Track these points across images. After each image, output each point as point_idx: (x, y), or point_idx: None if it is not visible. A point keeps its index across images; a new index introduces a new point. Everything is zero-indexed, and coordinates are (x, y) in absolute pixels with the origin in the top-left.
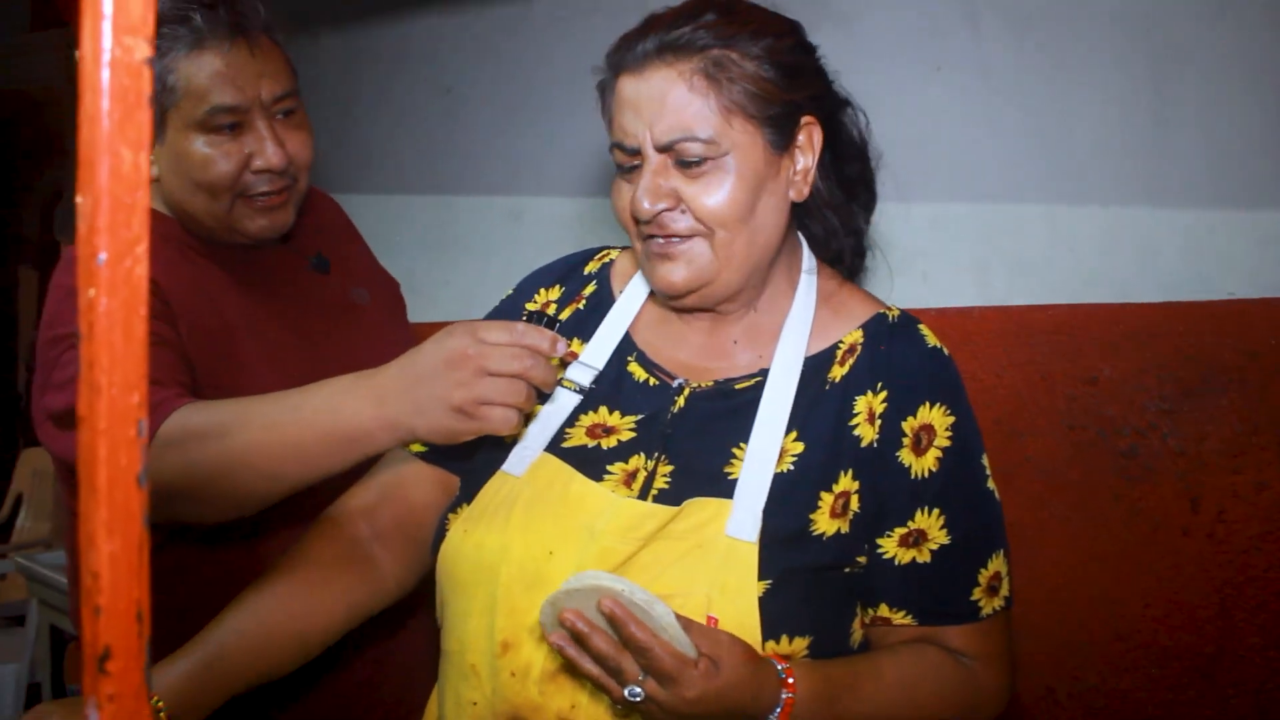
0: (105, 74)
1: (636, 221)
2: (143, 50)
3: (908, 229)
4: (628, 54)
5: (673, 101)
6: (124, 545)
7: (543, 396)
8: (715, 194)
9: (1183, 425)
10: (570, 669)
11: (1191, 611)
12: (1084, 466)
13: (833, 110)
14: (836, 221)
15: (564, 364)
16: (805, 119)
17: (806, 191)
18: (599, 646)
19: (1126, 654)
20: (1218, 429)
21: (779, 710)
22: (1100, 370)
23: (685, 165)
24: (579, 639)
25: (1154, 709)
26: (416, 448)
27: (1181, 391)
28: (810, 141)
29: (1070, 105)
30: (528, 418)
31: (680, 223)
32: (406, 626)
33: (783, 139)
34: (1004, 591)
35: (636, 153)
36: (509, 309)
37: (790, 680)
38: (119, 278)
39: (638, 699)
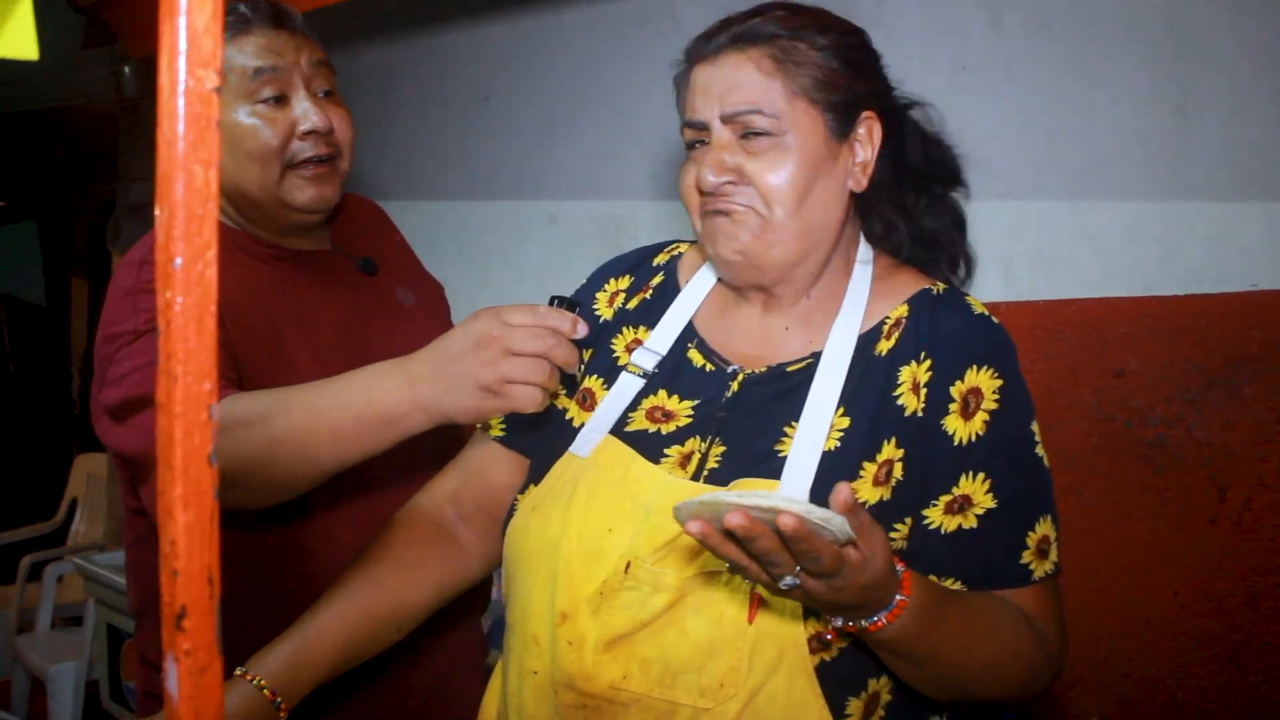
0: (180, 102)
1: (701, 195)
2: (212, 80)
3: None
4: (704, 46)
5: (742, 79)
6: (198, 516)
7: (565, 379)
8: (777, 171)
9: (1208, 415)
10: (621, 642)
11: (1219, 599)
12: (1111, 457)
13: (894, 110)
14: (897, 217)
15: (629, 350)
16: (866, 113)
17: (865, 183)
18: (765, 546)
19: (1155, 642)
20: (1243, 419)
21: (889, 610)
22: (1126, 363)
23: (748, 138)
24: (747, 539)
25: (1183, 696)
26: (495, 432)
27: (1206, 382)
28: (870, 136)
29: (1092, 102)
30: (554, 396)
31: (740, 197)
32: (458, 627)
33: (843, 127)
34: (1053, 557)
35: (704, 128)
36: (583, 296)
37: (907, 582)
38: (192, 280)
39: (793, 586)
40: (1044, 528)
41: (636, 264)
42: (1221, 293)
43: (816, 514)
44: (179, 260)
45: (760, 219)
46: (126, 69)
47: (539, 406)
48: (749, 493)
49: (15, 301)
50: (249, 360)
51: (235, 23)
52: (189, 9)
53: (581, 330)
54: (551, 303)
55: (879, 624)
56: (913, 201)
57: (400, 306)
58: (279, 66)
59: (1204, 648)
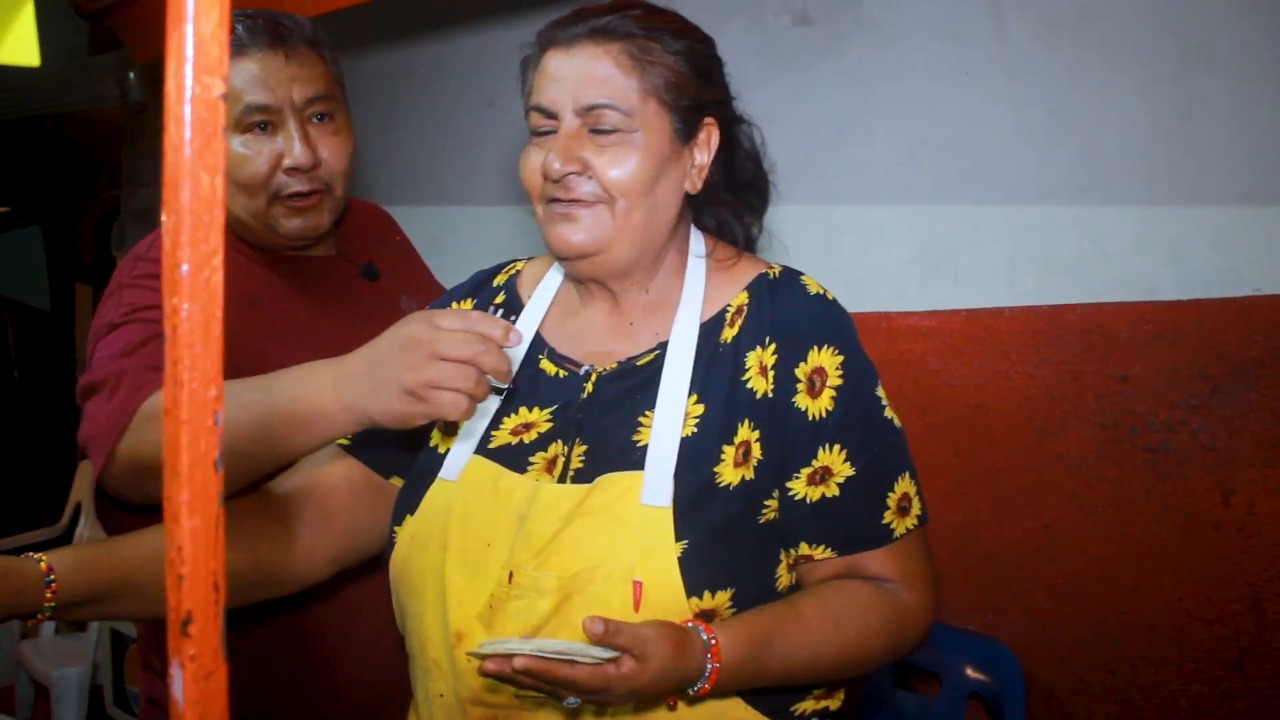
0: (187, 109)
1: (545, 181)
2: (218, 87)
3: (938, 231)
4: (559, 33)
5: (599, 73)
6: (204, 522)
7: (498, 391)
8: (622, 165)
9: (1212, 420)
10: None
11: (1224, 604)
12: (1116, 462)
13: (731, 120)
14: (729, 215)
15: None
16: (707, 120)
17: (699, 185)
18: (529, 683)
19: (1160, 647)
20: (1247, 423)
21: (705, 678)
22: (1130, 368)
23: (597, 134)
24: (511, 682)
25: (1187, 701)
26: (343, 441)
27: (1211, 387)
28: (709, 141)
29: (1097, 107)
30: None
31: (584, 188)
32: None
33: (686, 130)
34: (915, 510)
35: (554, 116)
36: None
37: (716, 649)
38: (198, 285)
39: (575, 704)
40: (903, 485)
41: (476, 287)
42: (1226, 298)
43: (555, 648)
44: (185, 266)
45: (602, 212)
46: (131, 74)
47: (464, 415)
48: (524, 641)
49: (20, 306)
50: (237, 362)
51: (232, 45)
52: (196, 16)
53: (514, 338)
54: (487, 309)
55: (703, 689)
56: (742, 205)
57: (402, 312)
58: (269, 104)
59: (1208, 653)
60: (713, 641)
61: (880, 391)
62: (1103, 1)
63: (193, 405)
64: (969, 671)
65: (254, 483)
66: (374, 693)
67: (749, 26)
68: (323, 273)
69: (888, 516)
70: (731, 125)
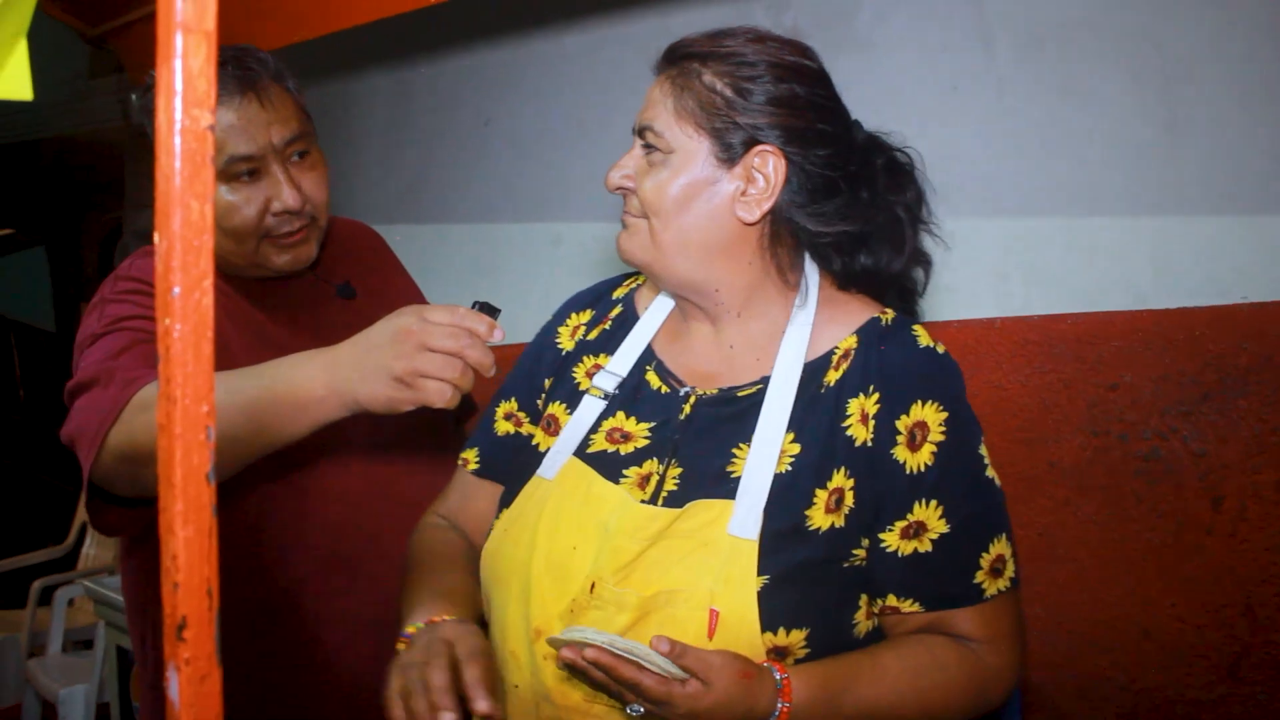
0: (177, 140)
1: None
2: (206, 119)
3: (929, 243)
4: (658, 60)
5: (653, 96)
6: (197, 531)
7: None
8: (653, 183)
9: (1202, 428)
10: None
11: (1217, 609)
12: (1107, 470)
13: (824, 150)
14: (824, 249)
15: (589, 376)
16: (763, 147)
17: (758, 214)
18: (599, 677)
19: (1155, 652)
20: (1237, 430)
21: (774, 717)
22: (1120, 376)
23: (646, 152)
24: (580, 670)
25: (1182, 706)
26: (471, 466)
27: (1200, 395)
28: (765, 168)
29: (1083, 120)
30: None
31: (632, 204)
32: None
33: (728, 155)
34: (1008, 573)
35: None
36: (548, 330)
37: (788, 688)
38: (190, 307)
39: (639, 713)
40: (998, 547)
41: (596, 298)
42: (1214, 306)
43: (627, 647)
44: (177, 289)
45: (643, 227)
46: (133, 96)
47: (449, 403)
48: (600, 633)
49: (25, 327)
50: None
51: None
52: (185, 53)
53: (498, 335)
54: (474, 307)
55: None
56: (856, 240)
57: None
58: (252, 153)
59: (1202, 658)
60: (785, 680)
61: (983, 450)
62: (1087, 16)
63: (185, 421)
64: None
65: (246, 469)
66: (356, 694)
67: None
68: (298, 293)
69: (979, 576)
70: (812, 152)
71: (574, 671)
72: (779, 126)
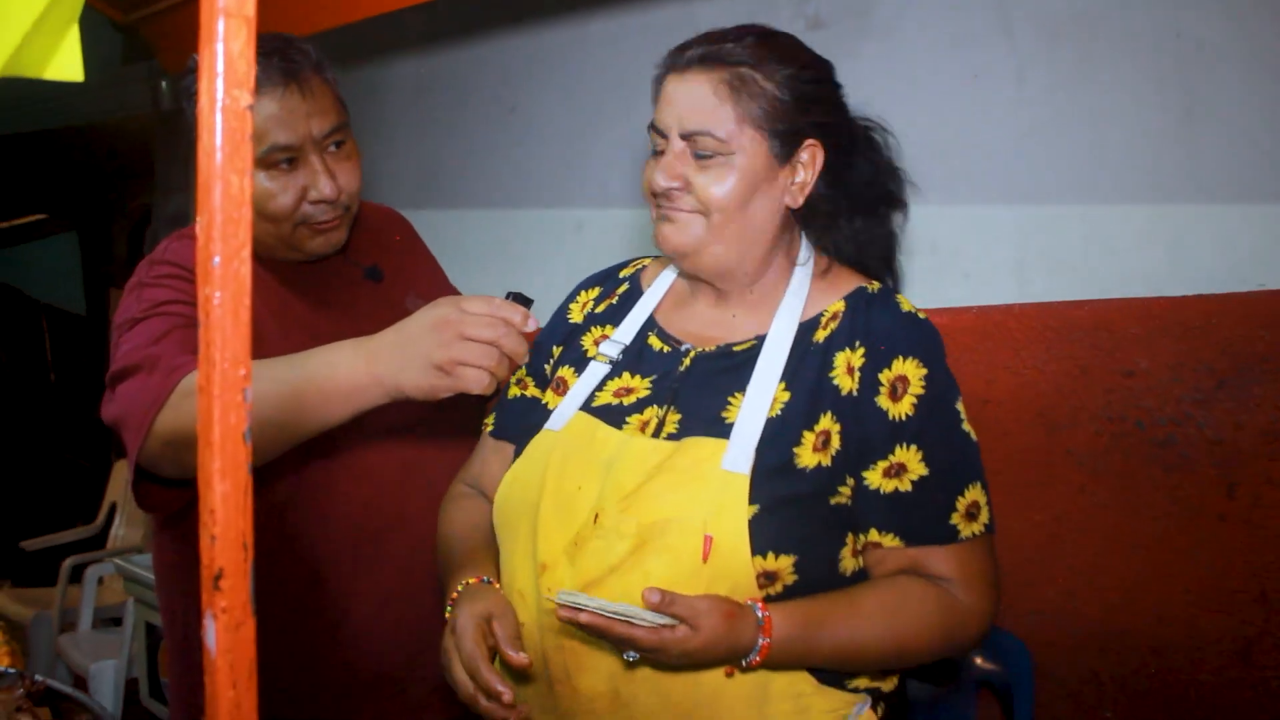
0: (218, 118)
1: (654, 195)
2: (246, 99)
3: (948, 230)
4: (679, 58)
5: (701, 102)
6: (234, 487)
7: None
8: (719, 185)
9: (1218, 415)
10: (593, 586)
11: (1230, 595)
12: (1123, 457)
13: (840, 140)
14: (835, 228)
15: (596, 344)
16: (809, 141)
17: (801, 200)
18: (595, 628)
19: (1168, 638)
20: (1252, 418)
21: (756, 651)
22: (1137, 363)
23: (699, 157)
24: (577, 626)
25: (1195, 692)
26: (489, 428)
27: (1216, 382)
28: (812, 161)
29: (1102, 108)
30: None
31: (685, 202)
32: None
33: (785, 152)
34: (983, 519)
35: (665, 136)
36: (561, 309)
37: (769, 625)
38: (229, 276)
39: (635, 659)
40: (973, 493)
41: (605, 278)
42: (1230, 293)
43: (616, 609)
44: (217, 259)
45: (700, 223)
46: (164, 83)
47: (486, 390)
48: (591, 599)
49: (56, 312)
50: None
51: None
52: (226, 36)
53: (532, 325)
54: (508, 297)
55: (755, 661)
56: (850, 216)
57: (407, 312)
58: (292, 143)
59: (1215, 644)
60: (766, 618)
61: (960, 406)
62: (1106, 3)
63: (224, 383)
64: (979, 662)
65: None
66: (381, 664)
67: None
68: (327, 275)
69: (955, 518)
70: (843, 142)
71: (573, 624)
72: (818, 123)
